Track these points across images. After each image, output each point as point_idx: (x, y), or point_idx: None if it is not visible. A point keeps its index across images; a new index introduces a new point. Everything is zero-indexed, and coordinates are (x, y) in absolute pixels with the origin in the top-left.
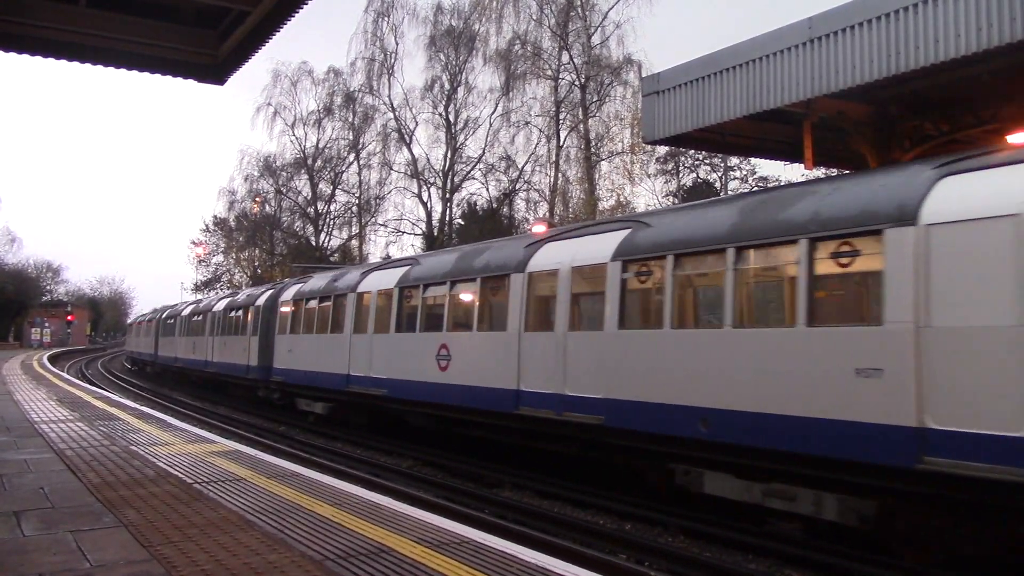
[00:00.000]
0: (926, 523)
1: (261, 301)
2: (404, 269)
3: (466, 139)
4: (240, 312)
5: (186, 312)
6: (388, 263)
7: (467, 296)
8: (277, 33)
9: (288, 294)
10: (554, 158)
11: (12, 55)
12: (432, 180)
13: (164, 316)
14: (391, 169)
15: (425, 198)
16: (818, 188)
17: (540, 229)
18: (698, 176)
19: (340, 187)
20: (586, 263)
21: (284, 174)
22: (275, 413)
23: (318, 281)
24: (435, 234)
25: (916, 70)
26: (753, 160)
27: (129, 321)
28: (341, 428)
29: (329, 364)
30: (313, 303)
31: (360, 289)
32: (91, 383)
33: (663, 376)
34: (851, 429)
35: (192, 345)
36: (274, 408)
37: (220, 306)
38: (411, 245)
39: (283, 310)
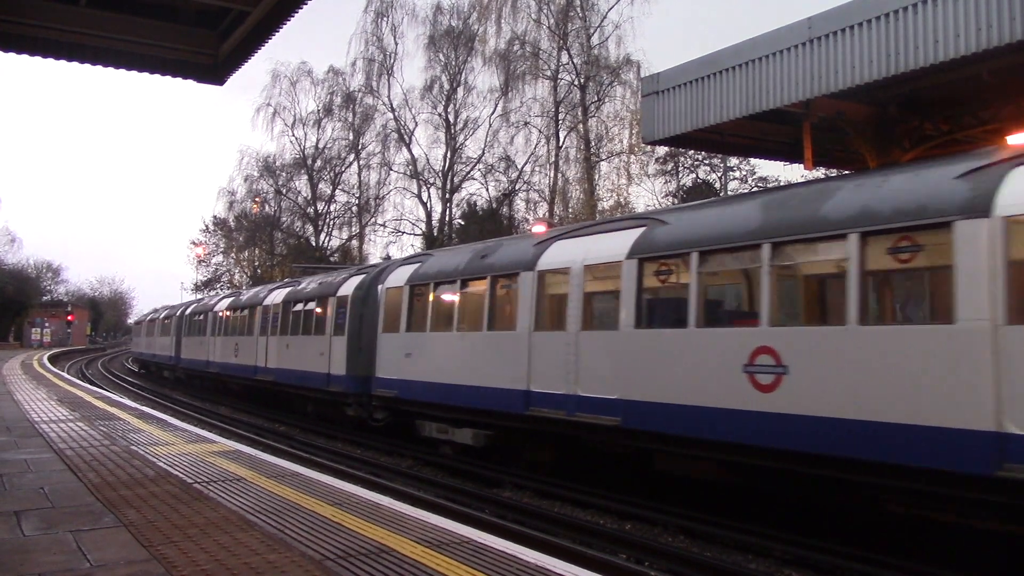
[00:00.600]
0: None
1: (347, 290)
2: (636, 232)
3: (466, 139)
4: (312, 305)
5: (221, 306)
6: (587, 226)
7: (817, 267)
8: (277, 33)
9: (396, 278)
10: (553, 158)
11: (12, 55)
12: (432, 180)
13: (189, 312)
14: (391, 169)
15: (425, 198)
16: None
17: (540, 229)
18: (697, 176)
19: (340, 187)
20: None
21: (284, 174)
22: (361, 434)
23: (450, 258)
24: (435, 234)
25: (916, 70)
26: (753, 160)
27: (135, 319)
28: (504, 467)
29: (490, 375)
30: (448, 289)
31: (544, 266)
32: (91, 383)
33: None
34: None
35: (233, 347)
36: (375, 434)
37: (276, 298)
38: (411, 245)
39: (391, 301)
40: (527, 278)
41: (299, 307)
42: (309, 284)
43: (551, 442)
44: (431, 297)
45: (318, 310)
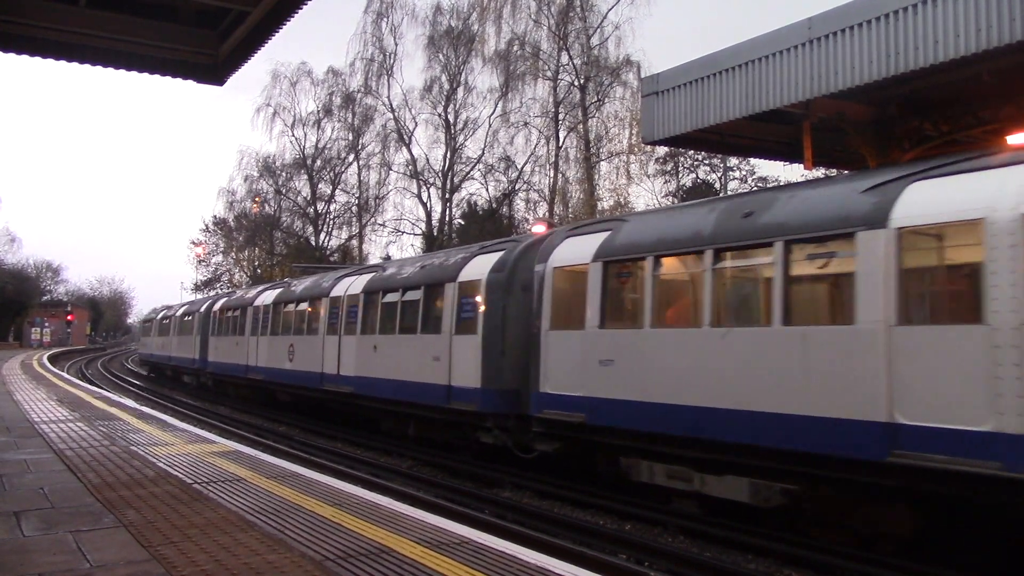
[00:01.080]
0: None
1: (476, 273)
2: None
3: (465, 139)
4: (415, 295)
5: (266, 300)
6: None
7: None
8: (277, 33)
9: (572, 253)
10: (553, 158)
11: (12, 55)
12: (432, 180)
13: (218, 307)
14: (390, 169)
15: (425, 198)
16: None
17: (540, 229)
18: (697, 176)
19: (340, 187)
20: None
21: (284, 174)
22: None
23: (670, 220)
24: (435, 234)
25: (916, 70)
26: (752, 160)
27: (142, 317)
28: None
29: (787, 395)
30: (682, 265)
31: (909, 219)
32: (91, 383)
33: None
34: None
35: (287, 349)
36: (527, 469)
37: (351, 287)
38: (411, 245)
39: (562, 286)
40: (873, 242)
41: (392, 298)
42: (404, 268)
43: (916, 506)
44: (648, 277)
45: (427, 301)
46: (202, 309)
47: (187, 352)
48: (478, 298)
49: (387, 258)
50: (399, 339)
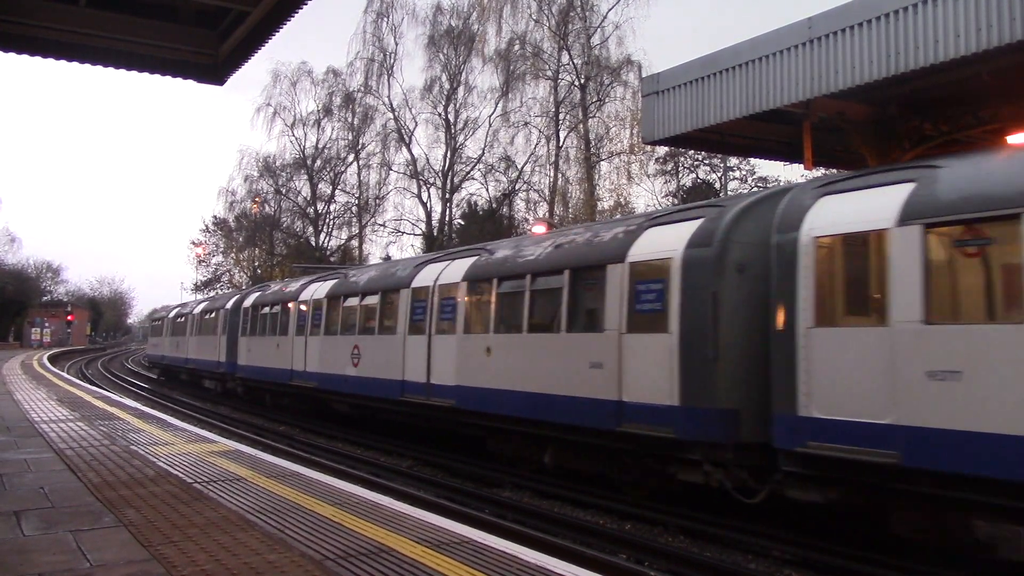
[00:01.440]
0: None
1: (661, 250)
2: None
3: (466, 139)
4: (553, 281)
5: (315, 294)
6: None
7: None
8: (277, 33)
9: (855, 210)
10: (554, 158)
11: (12, 55)
12: (432, 180)
13: (250, 303)
14: (390, 169)
15: (425, 198)
16: None
17: (540, 229)
18: (697, 176)
19: (340, 187)
20: None
21: (284, 174)
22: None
23: None
24: (435, 234)
25: (916, 70)
26: (752, 160)
27: (151, 315)
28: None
29: None
30: None
31: None
32: (91, 383)
33: None
34: None
35: (350, 352)
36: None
37: (444, 275)
38: (411, 246)
39: (825, 263)
40: None
41: (513, 286)
42: (524, 249)
43: None
44: None
45: (574, 289)
46: (228, 305)
47: (209, 354)
48: (668, 283)
49: (387, 258)
50: (529, 339)
